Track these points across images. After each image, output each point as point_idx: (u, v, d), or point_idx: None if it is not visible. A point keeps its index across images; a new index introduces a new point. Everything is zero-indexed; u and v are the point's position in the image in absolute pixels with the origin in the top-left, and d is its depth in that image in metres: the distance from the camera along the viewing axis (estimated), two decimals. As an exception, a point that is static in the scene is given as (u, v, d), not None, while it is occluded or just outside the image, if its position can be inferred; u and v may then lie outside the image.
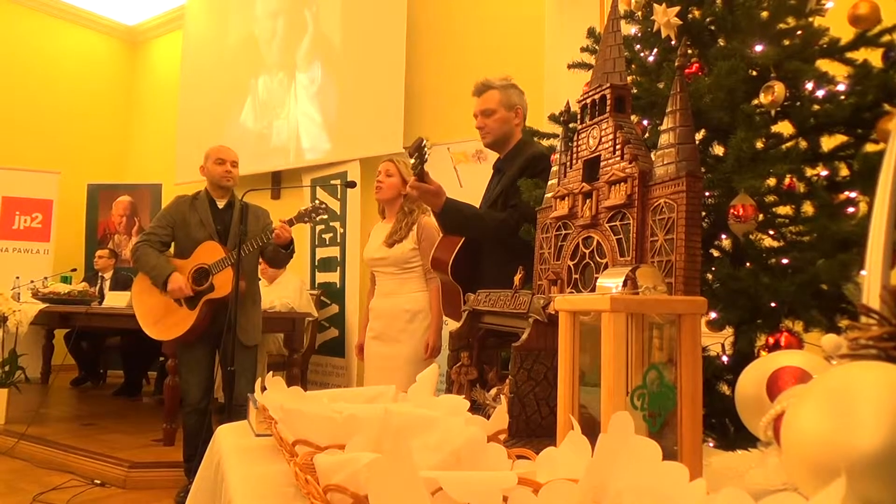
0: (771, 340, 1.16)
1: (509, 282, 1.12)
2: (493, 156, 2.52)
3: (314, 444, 0.83)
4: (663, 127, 0.91)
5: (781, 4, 1.37)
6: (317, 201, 3.24)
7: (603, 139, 0.99)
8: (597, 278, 0.89)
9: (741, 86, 1.28)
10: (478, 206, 2.37)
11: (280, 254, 3.21)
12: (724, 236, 1.37)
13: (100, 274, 6.03)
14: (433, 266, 2.40)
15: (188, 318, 3.04)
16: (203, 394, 3.08)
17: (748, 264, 1.29)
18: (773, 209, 1.36)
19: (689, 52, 1.42)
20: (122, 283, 5.69)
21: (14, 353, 4.40)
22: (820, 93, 1.31)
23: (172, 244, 3.23)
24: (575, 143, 1.07)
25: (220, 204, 3.20)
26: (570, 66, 1.68)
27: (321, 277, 5.33)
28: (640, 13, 1.54)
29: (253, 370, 3.19)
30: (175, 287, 3.03)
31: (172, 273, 3.05)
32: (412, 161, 2.14)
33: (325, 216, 3.11)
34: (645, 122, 1.46)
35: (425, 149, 2.10)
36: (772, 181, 1.30)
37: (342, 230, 5.14)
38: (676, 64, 0.93)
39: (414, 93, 5.03)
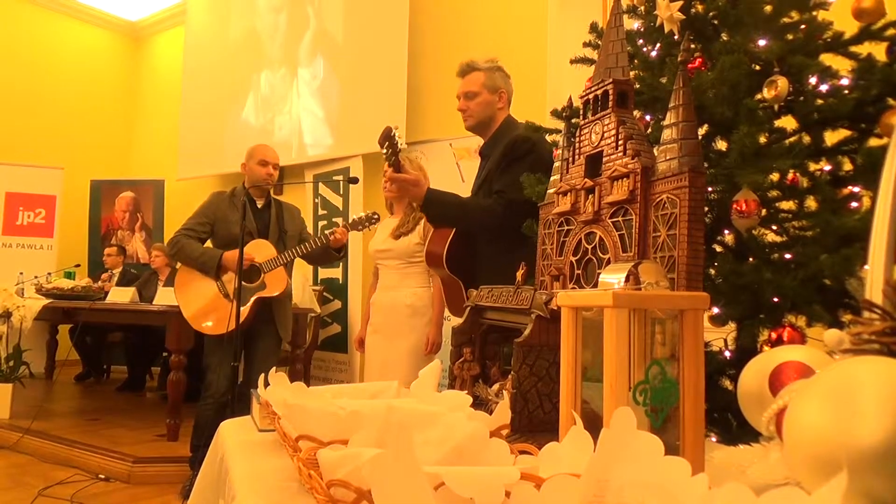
0: (773, 335, 1.16)
1: (507, 270, 1.12)
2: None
3: (317, 439, 0.83)
4: (666, 122, 0.91)
5: (785, -2, 1.36)
6: (370, 212, 3.25)
7: (605, 135, 0.99)
8: (599, 274, 0.89)
9: (744, 80, 1.28)
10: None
11: (332, 256, 3.29)
12: (726, 231, 1.37)
13: (110, 272, 6.02)
14: (428, 262, 2.32)
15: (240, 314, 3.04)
16: (228, 386, 3.09)
17: (751, 259, 1.29)
18: (776, 204, 1.36)
19: (692, 46, 1.41)
20: (128, 280, 5.70)
21: (18, 348, 4.42)
22: (823, 87, 1.31)
23: (209, 241, 3.24)
24: (577, 139, 1.07)
25: (259, 203, 3.25)
26: (572, 62, 1.68)
27: (324, 273, 5.33)
28: (642, 8, 1.53)
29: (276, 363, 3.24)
30: (235, 259, 2.98)
31: (223, 253, 3.06)
32: (384, 152, 2.04)
33: (376, 224, 3.18)
34: (647, 118, 1.46)
35: (396, 137, 1.99)
36: (775, 176, 1.30)
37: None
38: (679, 59, 0.93)
39: (416, 88, 5.02)
